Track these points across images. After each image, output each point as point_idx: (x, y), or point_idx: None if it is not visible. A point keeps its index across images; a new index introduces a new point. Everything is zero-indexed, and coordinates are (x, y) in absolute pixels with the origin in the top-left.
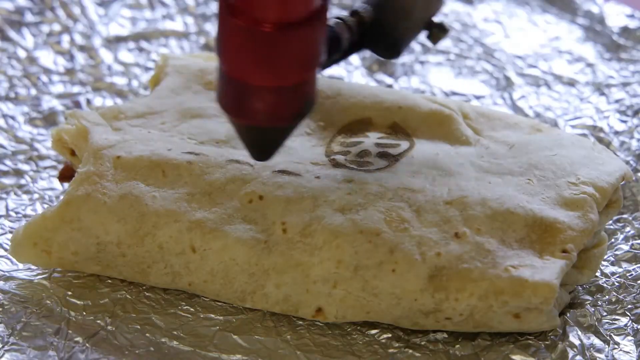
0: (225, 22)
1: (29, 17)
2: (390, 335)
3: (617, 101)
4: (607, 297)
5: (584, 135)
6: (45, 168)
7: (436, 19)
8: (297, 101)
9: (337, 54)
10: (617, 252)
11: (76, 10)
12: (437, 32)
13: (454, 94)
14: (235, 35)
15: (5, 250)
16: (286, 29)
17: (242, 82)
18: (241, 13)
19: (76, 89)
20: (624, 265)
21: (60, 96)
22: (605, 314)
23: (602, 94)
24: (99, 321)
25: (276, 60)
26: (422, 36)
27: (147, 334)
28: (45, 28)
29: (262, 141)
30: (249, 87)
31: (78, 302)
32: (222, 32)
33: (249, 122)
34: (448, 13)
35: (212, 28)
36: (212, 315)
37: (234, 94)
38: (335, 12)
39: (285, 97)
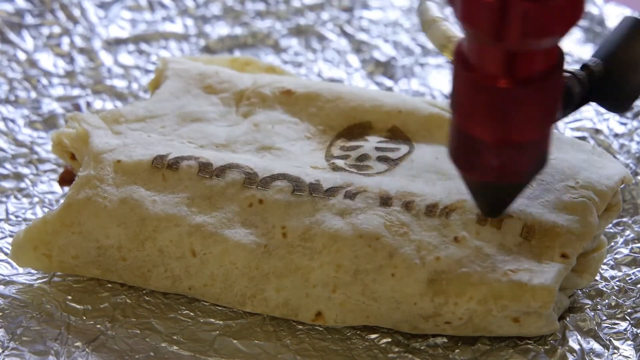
0: (460, 77)
1: (29, 20)
2: (390, 339)
3: None
4: (606, 301)
5: (584, 137)
6: (46, 171)
7: None
8: (531, 158)
9: (569, 108)
10: (616, 256)
11: (76, 13)
12: None
13: None
14: (470, 90)
15: (6, 254)
16: (523, 85)
17: (476, 138)
18: (476, 68)
19: (76, 91)
20: (624, 269)
21: (60, 99)
22: (604, 318)
23: None
24: (98, 326)
25: (511, 117)
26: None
27: (147, 339)
28: (45, 30)
29: (493, 197)
30: (482, 143)
31: (78, 307)
32: (456, 87)
33: (481, 178)
34: (448, 15)
35: (211, 30)
36: (212, 320)
37: (467, 149)
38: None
39: (519, 154)
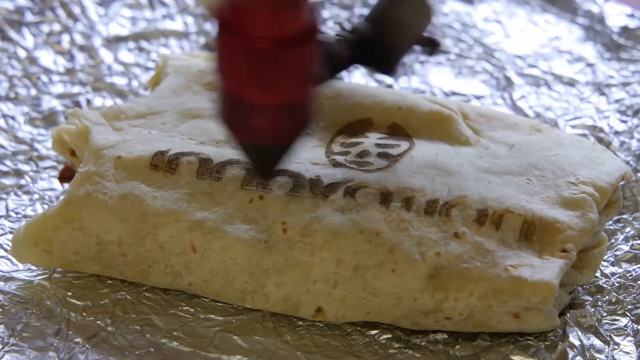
0: (221, 39)
1: (29, 17)
2: (390, 335)
3: (617, 101)
4: (607, 297)
5: (584, 135)
6: (45, 168)
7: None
8: (295, 119)
9: (337, 70)
10: (617, 253)
11: (76, 10)
12: (430, 47)
13: (454, 94)
14: (231, 52)
15: (6, 250)
16: (281, 46)
17: (239, 99)
18: (236, 30)
19: (76, 89)
20: (624, 265)
21: (60, 96)
22: (605, 314)
23: (602, 93)
24: (99, 322)
25: (272, 77)
26: None
27: (147, 335)
28: (45, 28)
29: (261, 157)
30: (245, 104)
31: (78, 303)
32: (219, 49)
33: (247, 139)
34: (448, 13)
35: (212, 28)
36: (212, 316)
37: (232, 111)
38: (335, 27)
39: (282, 115)
